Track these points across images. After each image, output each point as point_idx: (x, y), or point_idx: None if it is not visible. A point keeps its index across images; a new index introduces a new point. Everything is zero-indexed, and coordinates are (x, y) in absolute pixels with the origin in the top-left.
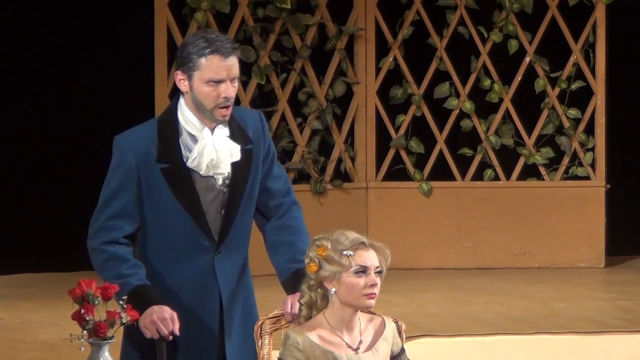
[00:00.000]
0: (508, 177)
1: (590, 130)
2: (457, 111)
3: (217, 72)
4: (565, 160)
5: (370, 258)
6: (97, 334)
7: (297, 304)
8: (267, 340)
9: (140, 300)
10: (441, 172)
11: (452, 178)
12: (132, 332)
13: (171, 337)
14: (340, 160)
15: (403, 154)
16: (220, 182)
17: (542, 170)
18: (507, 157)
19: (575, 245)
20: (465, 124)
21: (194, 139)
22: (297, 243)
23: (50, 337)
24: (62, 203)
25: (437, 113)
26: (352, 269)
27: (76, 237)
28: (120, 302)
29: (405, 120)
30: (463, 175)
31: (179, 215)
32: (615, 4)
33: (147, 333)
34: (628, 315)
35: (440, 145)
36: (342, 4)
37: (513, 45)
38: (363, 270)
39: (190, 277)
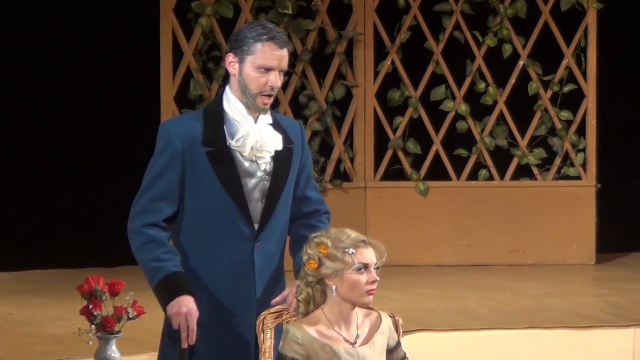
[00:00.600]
0: (502, 177)
1: (581, 131)
2: (453, 113)
3: (269, 60)
4: (557, 160)
5: (370, 255)
6: (105, 329)
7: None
8: (268, 334)
9: (173, 286)
10: (437, 172)
11: (448, 178)
12: (170, 327)
13: (187, 344)
14: (339, 161)
15: (400, 154)
16: (262, 168)
17: (535, 170)
18: (501, 157)
19: (567, 243)
20: (461, 125)
21: (238, 125)
22: None
23: (59, 331)
24: (71, 203)
25: (433, 115)
26: (354, 266)
27: (84, 236)
28: (127, 297)
29: (402, 122)
30: (458, 175)
31: (221, 199)
32: (606, 9)
33: (173, 322)
34: (617, 311)
35: (437, 146)
36: (342, 9)
37: (507, 50)
38: (364, 267)
39: (228, 263)
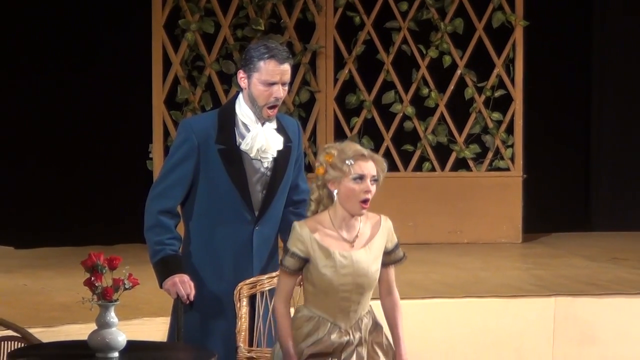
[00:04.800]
0: (442, 168)
1: (510, 130)
2: (401, 114)
3: (272, 75)
4: (490, 154)
5: (368, 168)
6: (105, 298)
7: None
8: (244, 302)
9: (169, 266)
10: (388, 165)
11: (397, 169)
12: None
13: (188, 301)
14: (305, 155)
15: None
16: (265, 165)
17: (471, 163)
18: (442, 152)
19: (498, 225)
20: (408, 125)
21: (247, 128)
22: None
23: (66, 300)
24: (79, 191)
25: (384, 116)
26: (351, 175)
27: (88, 218)
28: (124, 270)
29: (358, 122)
30: (406, 167)
31: (229, 190)
32: (531, 26)
33: (170, 293)
34: (541, 282)
35: (387, 142)
36: (307, 26)
37: (447, 60)
38: (360, 178)
39: (232, 243)
